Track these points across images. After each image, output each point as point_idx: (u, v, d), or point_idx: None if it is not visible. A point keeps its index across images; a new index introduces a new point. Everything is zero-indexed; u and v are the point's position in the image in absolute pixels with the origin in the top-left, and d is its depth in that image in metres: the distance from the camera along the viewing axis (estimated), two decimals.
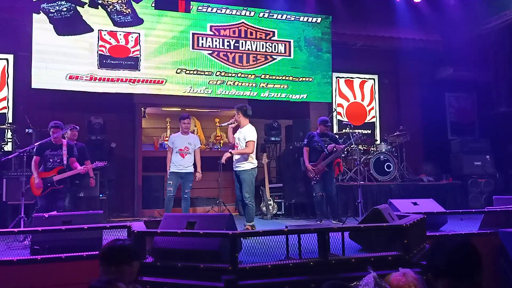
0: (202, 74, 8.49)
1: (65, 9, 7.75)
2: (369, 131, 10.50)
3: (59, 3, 7.71)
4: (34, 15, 7.59)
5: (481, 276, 1.74)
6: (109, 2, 8.01)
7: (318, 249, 3.65)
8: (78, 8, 7.84)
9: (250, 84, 8.76)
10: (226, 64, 8.64)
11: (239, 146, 5.96)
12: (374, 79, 10.87)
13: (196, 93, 8.48)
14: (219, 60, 8.59)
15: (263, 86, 8.83)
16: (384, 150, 8.77)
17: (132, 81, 8.10)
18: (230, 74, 8.65)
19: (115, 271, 2.24)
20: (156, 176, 8.43)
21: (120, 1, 8.06)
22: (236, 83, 8.68)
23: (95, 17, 7.94)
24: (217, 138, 9.60)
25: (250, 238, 4.95)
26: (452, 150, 9.48)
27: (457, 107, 11.03)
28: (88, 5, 7.89)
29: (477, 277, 1.73)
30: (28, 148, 5.84)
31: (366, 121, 10.63)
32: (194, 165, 6.84)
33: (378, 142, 9.80)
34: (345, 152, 8.32)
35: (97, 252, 2.94)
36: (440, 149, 9.87)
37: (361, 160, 8.37)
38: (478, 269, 1.75)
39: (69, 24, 7.78)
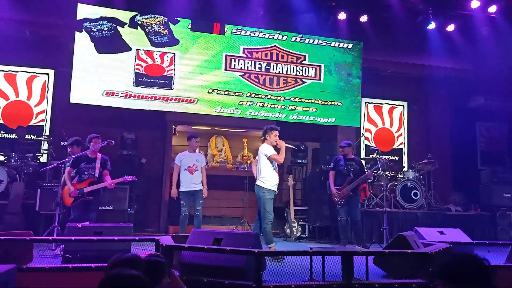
0: (233, 95, 8.69)
1: (106, 28, 8.14)
2: (397, 158, 10.44)
3: (100, 23, 8.10)
4: (77, 33, 7.99)
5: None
6: (147, 23, 8.35)
7: (341, 273, 3.67)
8: (119, 28, 8.21)
9: (279, 106, 8.90)
10: (257, 86, 8.82)
11: None
12: (403, 105, 10.85)
13: (225, 113, 8.67)
14: (250, 81, 8.79)
15: (292, 109, 8.96)
16: (411, 177, 8.70)
17: (165, 99, 8.36)
18: (260, 96, 8.82)
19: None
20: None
21: (158, 22, 8.39)
22: (265, 105, 8.84)
23: (133, 36, 8.30)
24: (244, 158, 9.72)
25: (273, 260, 5.02)
26: (482, 180, 9.31)
27: (488, 136, 10.87)
28: (128, 26, 8.25)
29: (475, 284, 1.76)
30: (65, 160, 6.06)
31: (394, 147, 10.59)
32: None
33: (406, 169, 9.72)
34: (371, 178, 8.30)
35: None
36: (469, 178, 9.70)
37: (388, 186, 8.32)
38: (477, 277, 1.77)
39: (109, 43, 8.16)
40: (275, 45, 9.00)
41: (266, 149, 5.95)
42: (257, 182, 5.99)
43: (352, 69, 9.36)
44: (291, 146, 6.31)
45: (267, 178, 5.91)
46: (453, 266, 1.80)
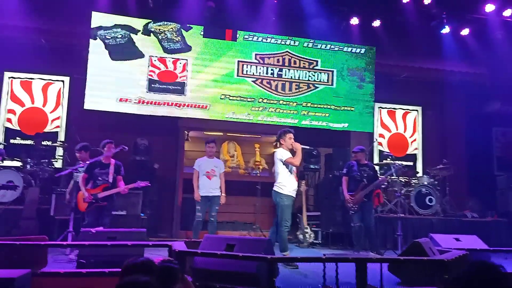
0: (245, 101, 8.72)
1: (120, 36, 8.24)
2: (411, 163, 10.33)
3: (114, 31, 8.21)
4: (91, 40, 8.11)
5: None
6: (160, 30, 8.44)
7: (355, 280, 3.63)
8: (132, 35, 8.31)
9: (292, 112, 8.90)
10: (269, 91, 8.83)
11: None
12: (417, 110, 10.75)
13: (238, 118, 8.69)
14: (262, 87, 8.80)
15: (304, 114, 8.94)
16: (426, 183, 8.60)
17: (177, 105, 8.42)
18: (272, 101, 8.83)
19: None
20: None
21: (171, 29, 8.47)
22: (277, 110, 8.84)
23: (147, 43, 8.40)
24: (256, 163, 9.70)
25: (287, 266, 4.98)
26: (498, 186, 9.17)
27: (504, 142, 10.71)
28: (141, 33, 8.34)
29: None
30: (80, 166, 6.12)
31: (408, 152, 10.48)
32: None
33: (420, 174, 9.61)
34: (385, 183, 8.22)
35: None
36: (486, 184, 9.55)
37: (402, 192, 8.24)
38: (492, 284, 1.71)
39: (123, 50, 8.27)
40: (287, 51, 9.01)
41: (281, 154, 5.85)
42: (274, 188, 5.86)
43: (365, 74, 9.32)
44: (307, 147, 6.21)
45: (284, 183, 5.79)
46: (468, 274, 1.75)
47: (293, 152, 5.94)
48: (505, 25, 8.86)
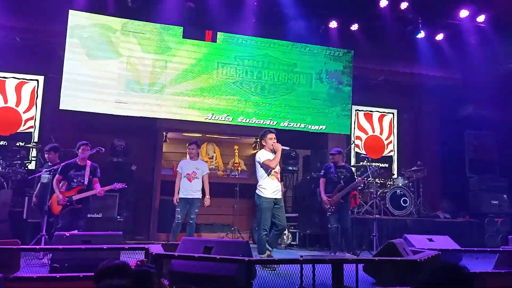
0: (224, 102, 8.71)
1: (97, 35, 8.12)
2: (387, 165, 10.51)
3: (92, 30, 8.08)
4: (68, 39, 7.95)
5: None
6: (139, 30, 8.35)
7: (332, 280, 3.68)
8: (110, 34, 8.19)
9: (270, 113, 8.94)
10: (248, 93, 8.85)
11: (279, 171, 5.92)
12: (393, 113, 10.95)
13: (217, 120, 8.68)
14: (241, 89, 8.81)
15: (283, 116, 8.99)
16: (401, 185, 8.76)
17: (156, 105, 8.35)
18: (251, 103, 8.85)
19: None
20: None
21: (150, 30, 8.40)
22: (256, 112, 8.86)
23: (125, 43, 8.29)
24: (235, 165, 9.71)
25: (265, 268, 4.98)
26: (470, 187, 9.39)
27: (477, 144, 10.98)
28: (119, 32, 8.24)
29: None
30: (55, 167, 6.00)
31: (383, 154, 10.66)
32: (203, 190, 6.92)
33: (395, 176, 9.78)
34: (362, 185, 8.34)
35: None
36: (458, 186, 9.79)
37: (378, 193, 8.37)
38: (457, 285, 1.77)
39: (100, 50, 8.13)
40: (266, 53, 9.04)
41: (259, 155, 5.75)
42: (256, 190, 5.75)
43: (343, 76, 9.44)
44: (287, 148, 6.08)
45: (264, 186, 5.66)
46: (435, 276, 1.81)
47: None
48: (478, 30, 9.09)
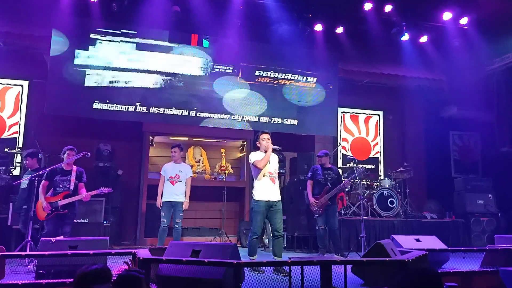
0: (211, 104, 8.71)
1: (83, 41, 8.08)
2: (373, 166, 10.59)
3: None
4: (53, 43, 7.88)
5: None
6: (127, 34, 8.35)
7: (320, 282, 3.68)
8: (97, 39, 8.16)
9: (258, 118, 8.98)
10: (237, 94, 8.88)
11: (276, 173, 5.69)
12: (379, 115, 11.04)
13: (203, 122, 8.67)
14: (230, 90, 8.88)
15: (269, 120, 9.04)
16: (387, 186, 8.83)
17: (142, 109, 8.32)
18: (238, 104, 8.89)
19: None
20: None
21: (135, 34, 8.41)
22: (244, 118, 8.92)
23: (111, 47, 8.25)
24: (222, 168, 9.69)
25: (254, 271, 4.95)
26: (456, 188, 9.51)
27: (461, 145, 11.13)
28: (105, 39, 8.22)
29: None
30: (40, 173, 5.92)
31: (370, 156, 10.74)
32: None
33: (382, 177, 9.86)
34: (349, 187, 8.39)
35: None
36: (444, 186, 9.91)
37: (365, 195, 8.42)
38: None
39: (87, 54, 8.08)
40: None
41: (250, 156, 5.66)
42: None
43: (329, 79, 9.51)
44: (276, 147, 5.79)
45: (256, 187, 5.52)
46: (407, 277, 1.85)
47: None
48: (461, 32, 9.23)
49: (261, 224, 5.50)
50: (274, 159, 5.75)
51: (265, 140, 5.63)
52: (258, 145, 5.72)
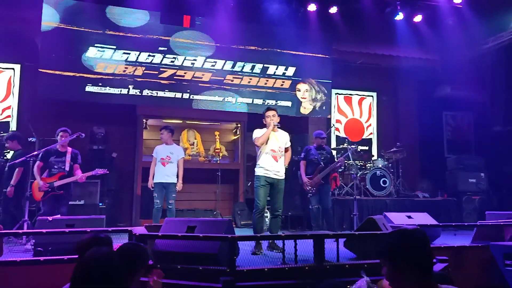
0: (205, 87, 8.71)
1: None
2: (367, 147, 10.66)
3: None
4: (43, 25, 7.81)
5: (405, 261, 1.82)
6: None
7: (313, 255, 3.76)
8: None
9: (252, 100, 8.99)
10: (232, 79, 8.94)
11: (281, 151, 5.60)
12: (372, 96, 11.07)
13: (196, 104, 8.69)
14: (226, 74, 8.93)
15: (264, 101, 9.06)
16: (380, 166, 8.90)
17: (135, 92, 8.31)
18: (231, 88, 8.88)
19: None
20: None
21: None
22: (240, 91, 8.98)
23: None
24: (216, 150, 9.69)
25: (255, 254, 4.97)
26: (448, 167, 9.60)
27: (454, 125, 11.20)
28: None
29: (397, 259, 1.83)
30: (35, 154, 5.93)
31: (363, 137, 10.80)
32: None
33: (375, 157, 9.93)
34: (342, 167, 8.45)
35: None
36: (436, 166, 10.00)
37: (358, 175, 8.50)
38: (400, 252, 1.84)
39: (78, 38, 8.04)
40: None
41: (254, 133, 5.61)
42: None
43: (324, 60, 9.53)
44: (276, 124, 5.57)
45: (258, 163, 5.49)
46: (388, 246, 1.89)
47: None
48: (455, 11, 9.15)
49: (262, 199, 5.40)
50: (282, 136, 5.69)
51: (270, 117, 5.56)
52: (265, 122, 5.64)
